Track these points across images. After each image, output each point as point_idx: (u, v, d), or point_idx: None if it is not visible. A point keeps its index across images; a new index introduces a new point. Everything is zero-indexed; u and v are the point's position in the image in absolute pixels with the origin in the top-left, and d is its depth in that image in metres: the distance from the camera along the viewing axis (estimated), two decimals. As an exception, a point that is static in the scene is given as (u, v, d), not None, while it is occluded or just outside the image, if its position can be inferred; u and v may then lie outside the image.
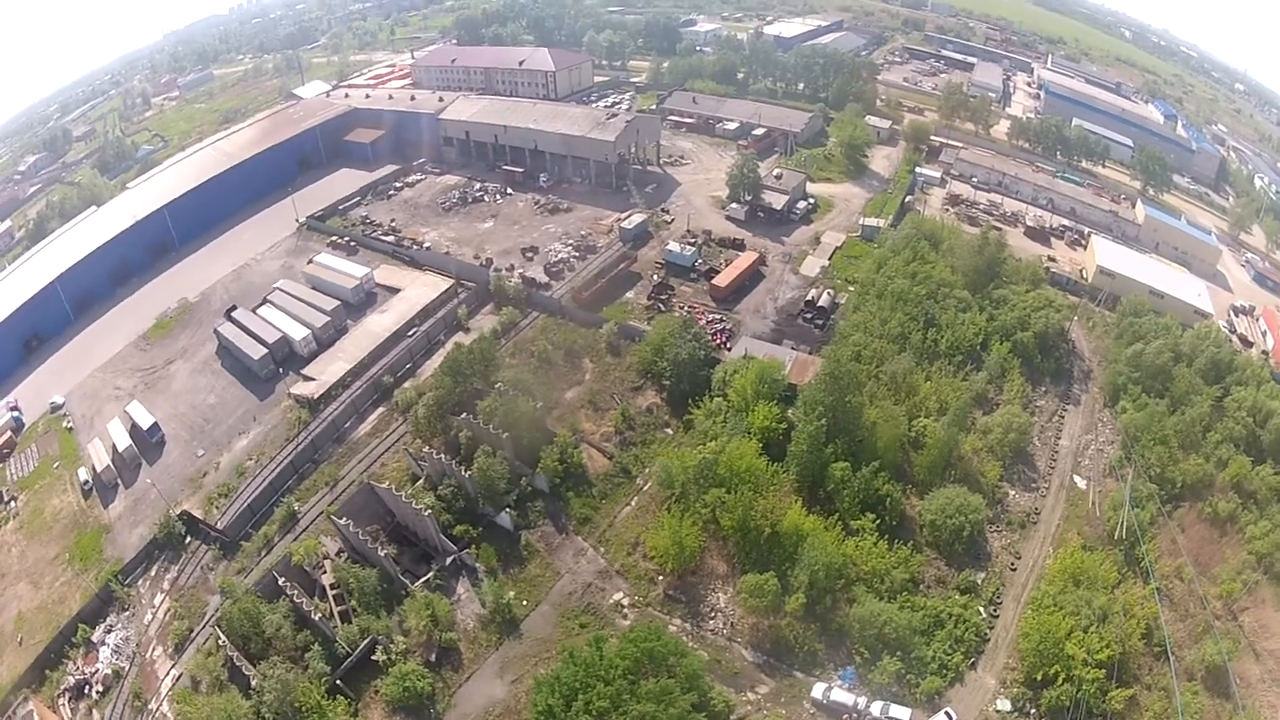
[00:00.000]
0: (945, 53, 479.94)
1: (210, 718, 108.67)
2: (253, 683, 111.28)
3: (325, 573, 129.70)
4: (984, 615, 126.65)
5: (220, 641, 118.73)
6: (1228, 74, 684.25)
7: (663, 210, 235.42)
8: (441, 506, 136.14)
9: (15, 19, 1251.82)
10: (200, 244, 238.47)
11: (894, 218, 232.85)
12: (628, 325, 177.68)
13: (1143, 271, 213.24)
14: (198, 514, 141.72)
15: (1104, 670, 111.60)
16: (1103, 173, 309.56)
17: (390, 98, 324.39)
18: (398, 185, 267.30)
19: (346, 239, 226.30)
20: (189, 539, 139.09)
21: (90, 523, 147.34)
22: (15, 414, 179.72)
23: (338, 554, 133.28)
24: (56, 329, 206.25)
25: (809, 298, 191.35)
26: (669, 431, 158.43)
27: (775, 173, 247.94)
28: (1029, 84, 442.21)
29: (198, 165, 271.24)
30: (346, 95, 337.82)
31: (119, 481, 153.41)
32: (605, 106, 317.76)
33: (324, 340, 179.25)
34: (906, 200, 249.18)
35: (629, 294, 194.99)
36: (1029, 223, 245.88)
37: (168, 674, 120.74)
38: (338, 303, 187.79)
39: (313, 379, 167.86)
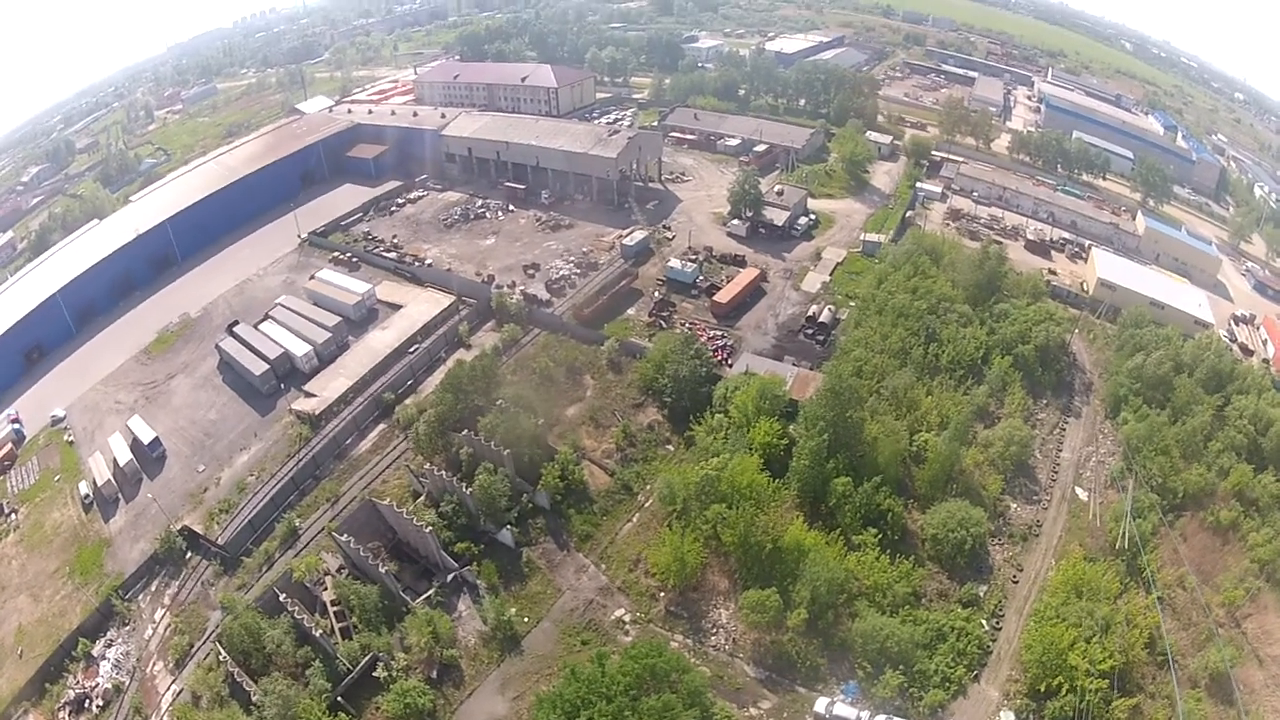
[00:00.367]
0: (946, 67, 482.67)
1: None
2: (253, 698, 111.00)
3: (326, 589, 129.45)
4: (986, 628, 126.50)
5: (221, 657, 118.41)
6: (1228, 83, 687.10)
7: (664, 227, 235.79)
8: (442, 523, 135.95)
9: (19, 29, 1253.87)
10: (203, 258, 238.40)
11: (895, 233, 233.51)
12: (629, 342, 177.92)
13: (1143, 283, 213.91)
14: (199, 529, 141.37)
15: (1107, 680, 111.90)
16: (1103, 185, 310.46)
17: (393, 113, 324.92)
18: (400, 201, 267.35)
19: (348, 255, 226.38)
20: (190, 554, 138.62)
21: (91, 537, 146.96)
22: (16, 426, 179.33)
23: (339, 570, 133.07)
24: (58, 341, 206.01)
25: (810, 314, 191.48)
26: (670, 448, 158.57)
27: (776, 189, 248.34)
28: (1029, 97, 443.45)
29: (200, 179, 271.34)
30: (349, 111, 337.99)
31: (120, 496, 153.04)
32: (607, 123, 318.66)
33: (325, 356, 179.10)
34: (907, 215, 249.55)
35: (630, 311, 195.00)
36: (1029, 236, 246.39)
37: (168, 689, 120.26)
38: (339, 319, 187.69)
39: (314, 395, 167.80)
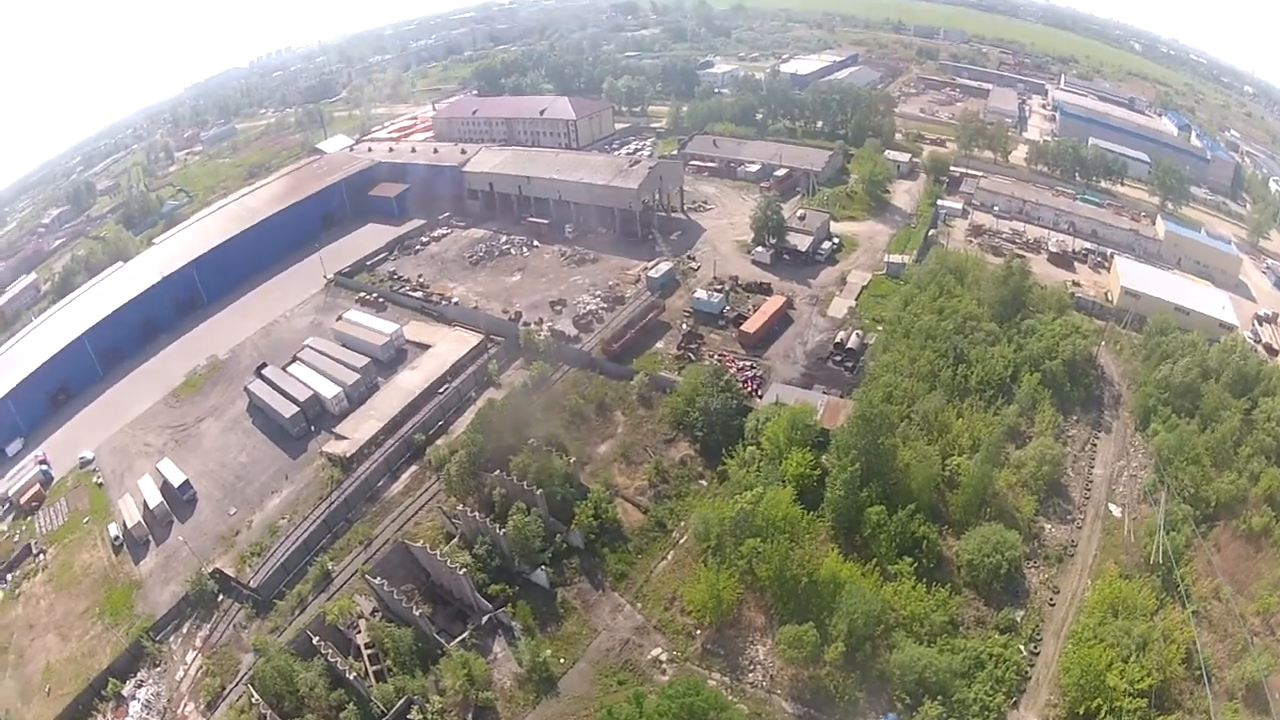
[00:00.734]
0: (960, 80, 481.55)
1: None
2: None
3: (360, 632, 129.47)
4: (1024, 653, 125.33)
5: (254, 699, 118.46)
6: (1237, 77, 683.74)
7: (689, 257, 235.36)
8: (476, 565, 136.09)
9: (37, 70, 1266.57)
10: (229, 300, 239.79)
11: (918, 253, 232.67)
12: (658, 376, 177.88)
13: (1166, 289, 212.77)
14: (230, 572, 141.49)
15: (1146, 699, 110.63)
16: (1121, 191, 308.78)
17: (413, 151, 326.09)
18: (424, 240, 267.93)
19: (375, 295, 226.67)
20: (221, 597, 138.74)
21: (121, 578, 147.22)
22: (44, 468, 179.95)
23: (372, 613, 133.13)
24: (85, 384, 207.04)
25: (838, 340, 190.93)
26: (703, 483, 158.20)
27: (799, 214, 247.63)
28: (1044, 106, 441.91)
29: (224, 221, 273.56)
30: (370, 149, 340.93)
31: (150, 538, 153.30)
32: (627, 153, 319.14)
33: (355, 398, 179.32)
34: (930, 234, 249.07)
35: (658, 344, 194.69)
36: (1052, 248, 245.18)
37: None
38: (368, 360, 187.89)
39: (345, 437, 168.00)
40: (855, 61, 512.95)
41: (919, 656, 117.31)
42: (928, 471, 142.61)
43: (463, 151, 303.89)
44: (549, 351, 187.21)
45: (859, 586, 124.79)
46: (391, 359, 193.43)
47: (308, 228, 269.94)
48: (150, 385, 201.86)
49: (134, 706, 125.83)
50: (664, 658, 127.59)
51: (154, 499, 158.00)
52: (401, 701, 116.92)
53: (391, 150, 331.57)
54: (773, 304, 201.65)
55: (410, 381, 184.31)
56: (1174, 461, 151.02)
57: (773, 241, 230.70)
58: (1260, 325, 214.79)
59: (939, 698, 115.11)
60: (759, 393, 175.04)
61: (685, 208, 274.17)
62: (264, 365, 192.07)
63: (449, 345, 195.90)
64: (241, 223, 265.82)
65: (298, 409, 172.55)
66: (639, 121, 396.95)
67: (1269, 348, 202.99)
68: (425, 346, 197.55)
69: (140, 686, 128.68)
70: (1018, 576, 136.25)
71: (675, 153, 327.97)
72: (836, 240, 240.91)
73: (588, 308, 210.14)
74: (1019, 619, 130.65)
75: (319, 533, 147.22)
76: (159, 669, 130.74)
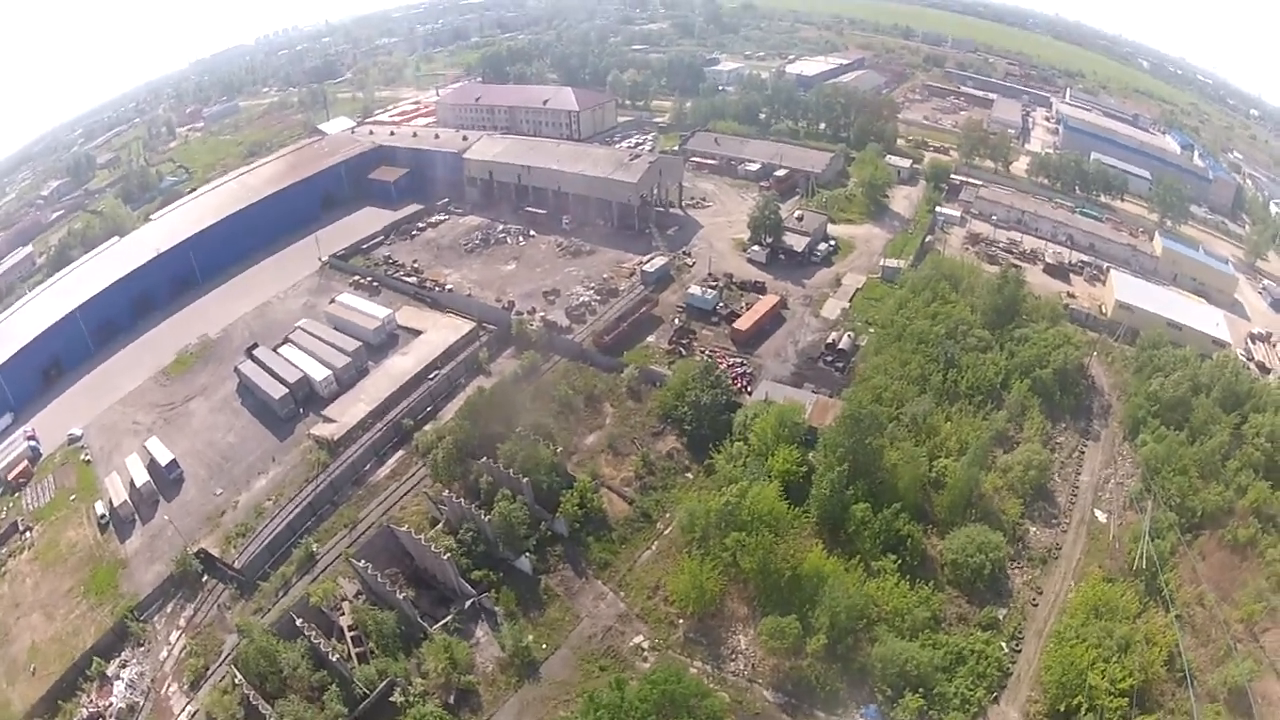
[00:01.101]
0: (965, 89, 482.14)
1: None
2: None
3: (343, 614, 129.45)
4: (1006, 650, 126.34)
5: (236, 680, 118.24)
6: (1243, 100, 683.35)
7: (684, 253, 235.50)
8: (461, 550, 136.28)
9: (41, 40, 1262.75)
10: (223, 279, 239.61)
11: (914, 258, 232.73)
12: (649, 369, 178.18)
13: (1161, 304, 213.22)
14: (215, 552, 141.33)
15: (1126, 699, 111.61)
16: (1121, 206, 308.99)
17: (415, 135, 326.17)
18: (421, 225, 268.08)
19: (369, 279, 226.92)
20: (206, 577, 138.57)
21: (106, 557, 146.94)
22: (33, 444, 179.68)
23: (356, 596, 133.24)
24: (77, 359, 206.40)
25: (829, 340, 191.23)
26: (689, 476, 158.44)
27: (796, 214, 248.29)
28: (1048, 118, 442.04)
29: (222, 199, 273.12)
30: (371, 132, 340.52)
31: (136, 517, 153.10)
32: (628, 147, 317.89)
33: (345, 381, 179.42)
34: (927, 240, 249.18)
35: (650, 338, 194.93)
36: (1048, 259, 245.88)
37: (183, 710, 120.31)
38: (359, 344, 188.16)
39: (333, 420, 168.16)
40: (861, 65, 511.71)
41: (900, 650, 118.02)
42: (914, 472, 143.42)
43: (464, 138, 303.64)
44: (540, 341, 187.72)
45: (842, 581, 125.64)
46: (383, 343, 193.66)
47: (306, 209, 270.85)
48: (141, 363, 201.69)
49: (118, 686, 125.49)
50: (646, 645, 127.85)
51: (141, 477, 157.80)
52: (384, 684, 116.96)
53: (393, 134, 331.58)
54: (766, 302, 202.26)
55: (400, 366, 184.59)
56: (1161, 471, 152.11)
57: (769, 241, 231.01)
58: (1254, 344, 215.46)
59: (920, 691, 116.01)
60: (749, 389, 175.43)
61: (684, 204, 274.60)
62: (255, 346, 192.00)
63: (441, 332, 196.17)
64: (239, 201, 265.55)
65: (287, 390, 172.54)
66: (641, 116, 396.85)
67: (1261, 366, 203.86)
68: (417, 332, 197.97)
69: (124, 666, 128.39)
70: (1001, 577, 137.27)
71: (676, 148, 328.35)
72: (833, 242, 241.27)
73: (581, 299, 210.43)
74: (1001, 617, 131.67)
75: (304, 515, 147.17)
76: (143, 648, 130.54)
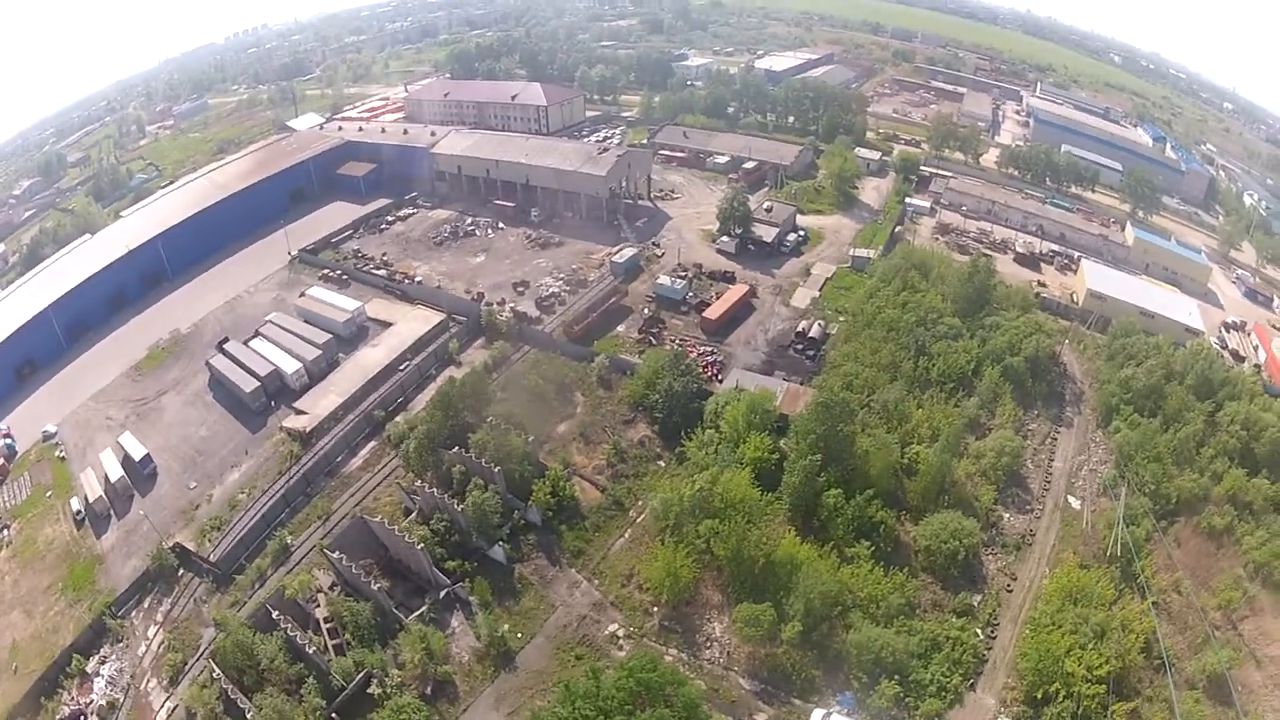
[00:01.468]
0: (935, 83, 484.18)
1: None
2: (248, 715, 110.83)
3: (319, 606, 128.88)
4: (981, 637, 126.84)
5: (215, 674, 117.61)
6: (1216, 93, 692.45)
7: (654, 244, 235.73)
8: (434, 540, 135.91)
9: (11, 41, 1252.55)
10: (193, 275, 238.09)
11: (884, 248, 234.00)
12: (619, 358, 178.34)
13: (1133, 293, 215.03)
14: (190, 546, 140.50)
15: (1104, 685, 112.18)
16: (1092, 198, 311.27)
17: (383, 131, 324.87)
18: (390, 219, 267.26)
19: (338, 272, 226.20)
20: (181, 571, 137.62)
21: (83, 553, 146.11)
22: (7, 441, 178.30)
23: (331, 587, 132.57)
24: (49, 357, 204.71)
25: (799, 329, 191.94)
26: (661, 464, 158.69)
27: (765, 205, 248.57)
28: (1018, 112, 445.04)
29: (191, 196, 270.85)
30: (340, 128, 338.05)
31: (111, 512, 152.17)
32: (597, 141, 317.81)
33: (316, 373, 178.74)
34: (896, 230, 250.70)
35: (620, 328, 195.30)
36: (1018, 249, 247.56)
37: (162, 706, 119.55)
38: (330, 336, 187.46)
39: (305, 413, 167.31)
40: (831, 60, 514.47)
41: (875, 637, 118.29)
42: (886, 459, 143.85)
43: (433, 133, 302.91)
44: (510, 332, 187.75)
45: (816, 567, 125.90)
46: (353, 336, 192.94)
47: (275, 204, 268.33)
48: (114, 359, 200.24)
49: (98, 684, 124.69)
50: (621, 633, 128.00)
51: (115, 473, 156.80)
52: (361, 675, 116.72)
53: (361, 130, 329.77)
54: (735, 292, 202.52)
55: (371, 358, 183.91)
56: (1135, 458, 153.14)
57: (738, 231, 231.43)
58: (1227, 332, 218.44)
59: (895, 678, 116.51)
60: (719, 377, 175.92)
61: (653, 196, 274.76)
62: (226, 340, 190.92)
63: (411, 323, 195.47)
64: (209, 198, 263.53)
65: (258, 384, 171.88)
66: (610, 110, 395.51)
67: (1235, 354, 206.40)
68: (387, 324, 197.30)
69: (104, 663, 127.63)
70: (975, 563, 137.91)
71: (645, 142, 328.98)
72: (802, 233, 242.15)
73: (550, 290, 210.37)
74: (976, 604, 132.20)
75: (278, 507, 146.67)
76: (122, 645, 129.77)
